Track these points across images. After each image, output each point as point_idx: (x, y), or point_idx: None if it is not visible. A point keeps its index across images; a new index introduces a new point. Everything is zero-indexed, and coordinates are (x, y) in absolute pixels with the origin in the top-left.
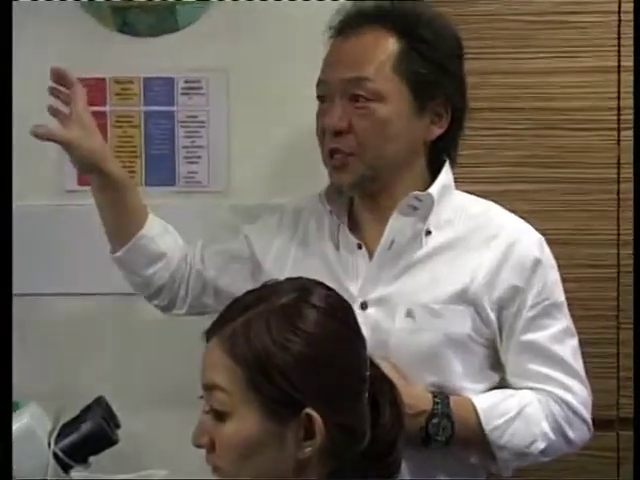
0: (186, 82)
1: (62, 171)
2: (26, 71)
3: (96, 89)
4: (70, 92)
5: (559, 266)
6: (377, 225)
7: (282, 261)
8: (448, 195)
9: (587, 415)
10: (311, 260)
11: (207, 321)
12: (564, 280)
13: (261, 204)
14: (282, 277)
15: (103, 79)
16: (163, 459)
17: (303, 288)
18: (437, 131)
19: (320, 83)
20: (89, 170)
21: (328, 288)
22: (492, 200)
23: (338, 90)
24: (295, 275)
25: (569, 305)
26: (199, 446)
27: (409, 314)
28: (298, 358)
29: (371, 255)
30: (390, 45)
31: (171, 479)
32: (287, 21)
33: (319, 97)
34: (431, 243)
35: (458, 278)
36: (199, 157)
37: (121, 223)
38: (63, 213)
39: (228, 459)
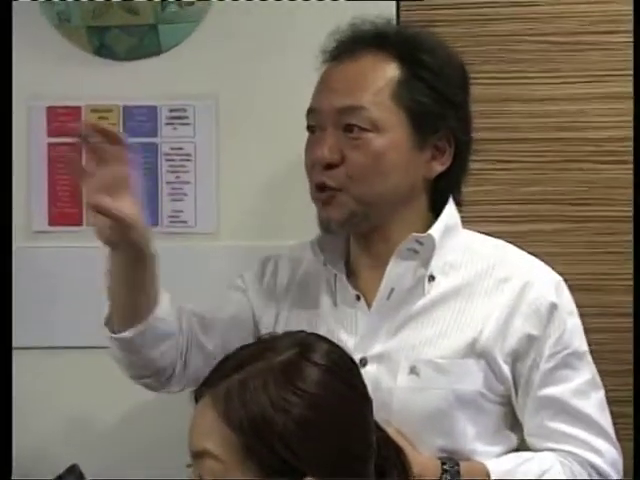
0: (170, 111)
1: (29, 210)
2: None
3: (71, 118)
4: (116, 150)
5: (582, 315)
6: (375, 271)
7: (276, 315)
8: (453, 235)
9: (616, 478)
10: (306, 314)
11: None
12: (587, 331)
13: (255, 246)
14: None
15: (78, 107)
16: None
17: (303, 343)
18: (438, 168)
19: (311, 112)
20: (123, 246)
21: (331, 343)
22: (512, 242)
23: (330, 119)
24: (289, 330)
25: (593, 359)
26: None
27: (412, 371)
28: (299, 422)
29: (370, 306)
30: (389, 71)
31: None
32: (281, 43)
33: (309, 127)
34: (435, 290)
35: (466, 328)
36: (185, 194)
37: (137, 301)
38: (31, 256)
39: None
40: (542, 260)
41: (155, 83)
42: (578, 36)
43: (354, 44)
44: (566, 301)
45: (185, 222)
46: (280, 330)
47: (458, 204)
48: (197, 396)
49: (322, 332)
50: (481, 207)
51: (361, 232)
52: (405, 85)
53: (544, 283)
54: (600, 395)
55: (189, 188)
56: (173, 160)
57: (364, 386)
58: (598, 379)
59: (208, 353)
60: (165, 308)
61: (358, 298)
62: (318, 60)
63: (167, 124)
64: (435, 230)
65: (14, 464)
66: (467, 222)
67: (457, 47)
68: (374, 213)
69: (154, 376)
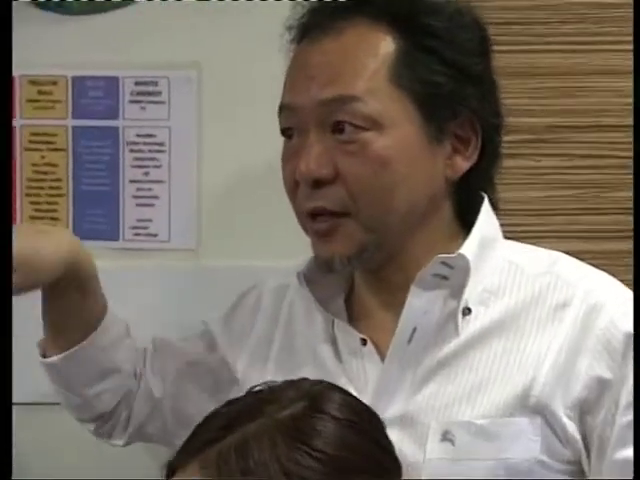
0: (137, 84)
1: None
2: None
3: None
4: None
5: None
6: (389, 310)
7: (261, 365)
8: (491, 251)
9: None
10: (301, 366)
11: None
12: None
13: (245, 267)
14: (242, 365)
15: (11, 77)
16: None
17: (312, 394)
18: (464, 164)
19: (284, 110)
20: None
21: (344, 392)
22: (597, 265)
23: (313, 118)
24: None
25: None
26: None
27: (446, 437)
28: None
29: (382, 353)
30: (383, 45)
31: None
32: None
33: (285, 131)
34: (472, 327)
35: (515, 376)
36: (155, 197)
37: (67, 321)
38: None
39: None
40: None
41: (116, 46)
42: None
43: (333, 14)
44: None
45: (155, 235)
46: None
47: (494, 202)
48: (174, 467)
49: None
50: (555, 218)
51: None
52: (406, 61)
53: (617, 306)
54: None
55: (161, 189)
56: (140, 151)
57: (392, 445)
58: None
59: (155, 401)
60: (109, 336)
61: (364, 342)
62: (283, 39)
63: (132, 102)
64: (468, 248)
65: None
66: (534, 238)
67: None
68: (389, 240)
69: (94, 422)
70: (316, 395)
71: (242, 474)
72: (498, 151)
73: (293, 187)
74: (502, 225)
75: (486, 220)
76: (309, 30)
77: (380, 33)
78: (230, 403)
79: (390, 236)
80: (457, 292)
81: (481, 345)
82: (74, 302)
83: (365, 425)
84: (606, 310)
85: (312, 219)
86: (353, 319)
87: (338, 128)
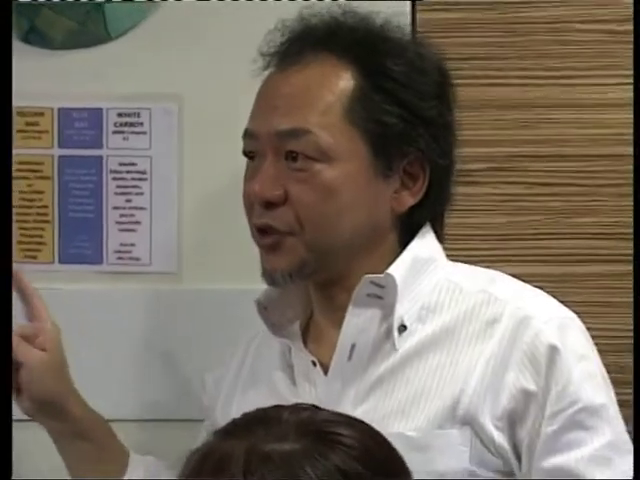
0: (120, 115)
1: None
2: None
3: None
4: (28, 306)
5: None
6: (337, 329)
7: (228, 403)
8: (427, 271)
9: None
10: (259, 394)
11: None
12: None
13: (227, 290)
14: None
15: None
16: None
17: (316, 431)
18: (410, 199)
19: (247, 135)
20: (46, 414)
21: (354, 423)
22: (555, 288)
23: (269, 145)
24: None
25: None
26: None
27: None
28: None
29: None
30: (342, 81)
31: None
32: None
33: (247, 153)
34: (408, 343)
35: (445, 390)
36: (137, 222)
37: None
38: None
39: None
40: (602, 311)
41: (100, 79)
42: None
43: (301, 47)
44: (572, 342)
45: (138, 259)
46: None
47: (439, 238)
48: None
49: None
50: (516, 243)
51: (319, 282)
52: (361, 100)
53: (543, 322)
54: (627, 462)
55: (143, 215)
56: (123, 179)
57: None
58: (626, 440)
59: None
60: None
61: (314, 364)
62: (255, 66)
63: (115, 132)
64: (396, 268)
65: None
66: (496, 262)
67: (486, 37)
68: (330, 261)
69: None
70: (319, 431)
71: None
72: (446, 190)
73: (249, 205)
74: (463, 249)
75: (422, 243)
76: (278, 59)
77: (342, 71)
78: (225, 437)
79: (332, 257)
80: (390, 310)
81: (417, 360)
82: (91, 449)
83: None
84: (532, 325)
85: (261, 235)
86: (309, 342)
87: (291, 156)
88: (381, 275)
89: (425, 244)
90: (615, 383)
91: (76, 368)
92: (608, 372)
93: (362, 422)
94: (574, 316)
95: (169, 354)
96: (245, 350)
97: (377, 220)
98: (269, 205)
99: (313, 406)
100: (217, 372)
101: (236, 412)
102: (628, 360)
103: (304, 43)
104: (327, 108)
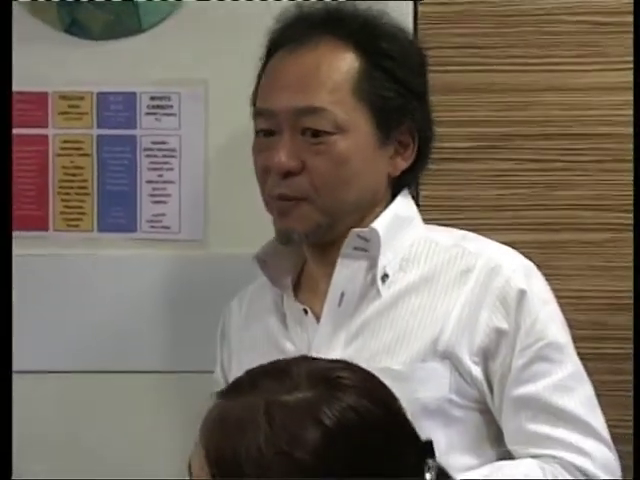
0: (152, 99)
1: None
2: None
3: (36, 106)
4: None
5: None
6: (329, 280)
7: (230, 356)
8: (407, 228)
9: None
10: (256, 338)
11: None
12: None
13: (248, 255)
14: (231, 370)
15: (45, 93)
16: None
17: (324, 378)
18: (402, 164)
19: (262, 113)
20: None
21: (351, 367)
22: (543, 253)
23: (287, 122)
24: (244, 366)
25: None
26: None
27: None
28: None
29: (320, 318)
30: (348, 62)
31: None
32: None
33: (260, 131)
34: (391, 289)
35: (426, 328)
36: (168, 195)
37: None
38: None
39: None
40: (583, 273)
41: (134, 66)
42: (623, 16)
43: (306, 30)
44: (538, 288)
45: (168, 228)
46: (234, 372)
47: (416, 201)
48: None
49: (274, 356)
50: (508, 213)
51: (317, 241)
52: (366, 77)
53: (511, 270)
54: (587, 390)
55: (173, 188)
56: (155, 156)
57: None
58: (583, 372)
59: None
60: None
61: (305, 312)
62: (262, 48)
63: (148, 114)
64: (380, 223)
65: None
66: (488, 230)
67: (480, 28)
68: (340, 222)
69: None
70: (328, 379)
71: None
72: (427, 157)
73: (263, 173)
74: (459, 218)
75: (402, 203)
76: (286, 41)
77: (346, 52)
78: (235, 389)
79: (341, 220)
80: (374, 261)
81: (400, 304)
82: None
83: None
84: (502, 272)
85: (278, 202)
86: (300, 293)
87: (309, 131)
88: (366, 229)
89: (404, 204)
90: (590, 339)
91: (111, 325)
92: (583, 328)
93: (356, 365)
94: (534, 266)
95: (195, 313)
96: (240, 304)
97: (377, 184)
98: (287, 175)
99: (310, 357)
100: (221, 323)
101: (237, 361)
102: (606, 318)
103: (310, 28)
104: (337, 86)
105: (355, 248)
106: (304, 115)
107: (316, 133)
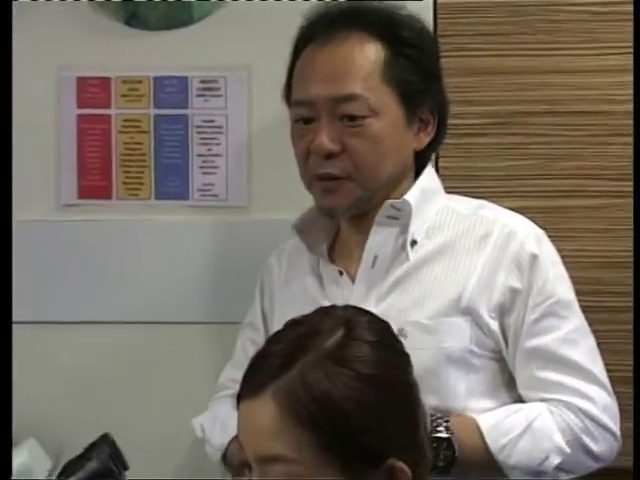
0: (202, 82)
1: (59, 183)
2: (27, 71)
3: (100, 89)
4: None
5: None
6: (362, 247)
7: (272, 307)
8: (432, 199)
9: (612, 424)
10: (295, 297)
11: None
12: (627, 310)
13: (287, 220)
14: (273, 321)
15: (108, 78)
16: None
17: (346, 321)
18: (426, 139)
19: (302, 104)
20: None
21: (367, 313)
22: (549, 218)
23: (325, 109)
24: (284, 319)
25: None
26: None
27: (401, 333)
28: (371, 407)
29: (354, 280)
30: (375, 52)
31: None
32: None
33: (300, 119)
34: (419, 253)
35: (450, 287)
36: (216, 167)
37: None
38: (60, 229)
39: None
40: (582, 236)
41: (186, 54)
42: (619, 6)
43: (335, 25)
44: (547, 252)
45: (216, 195)
46: (276, 325)
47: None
48: (244, 397)
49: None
50: (517, 182)
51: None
52: (392, 64)
53: (524, 235)
54: (590, 342)
55: (220, 161)
56: (204, 132)
57: (402, 345)
58: (586, 326)
59: None
60: None
61: (341, 273)
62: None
63: (198, 95)
64: (411, 195)
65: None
66: (501, 197)
67: (493, 17)
68: (377, 195)
69: None
70: (348, 322)
71: (310, 400)
72: (445, 130)
73: (304, 156)
74: (474, 187)
75: (427, 178)
76: (317, 34)
77: (373, 44)
78: (275, 340)
79: (377, 192)
80: (405, 229)
81: (426, 266)
82: None
83: (390, 340)
84: (517, 238)
85: (321, 181)
86: (335, 258)
87: (347, 117)
88: (399, 200)
89: (430, 178)
90: (591, 293)
91: (166, 281)
92: (584, 283)
93: (374, 314)
94: (543, 232)
95: (238, 271)
96: (278, 264)
97: (406, 158)
98: (329, 156)
99: (346, 306)
100: (260, 277)
101: (279, 314)
102: (604, 274)
103: (337, 23)
104: (368, 74)
105: (388, 217)
106: (341, 102)
107: (352, 118)
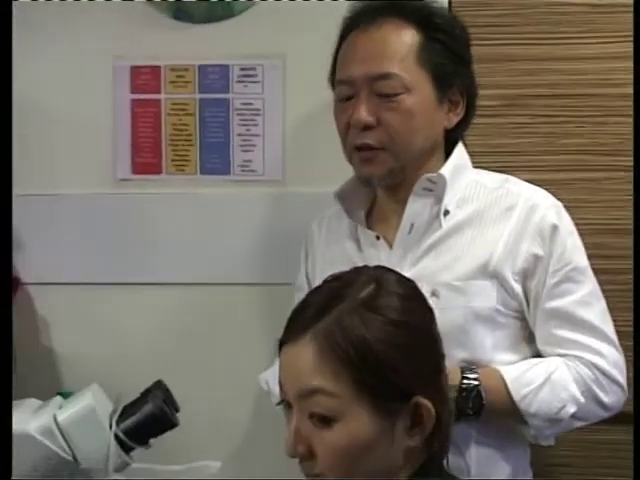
0: (241, 69)
1: (115, 160)
2: (87, 62)
3: (151, 77)
4: None
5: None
6: (398, 214)
7: (314, 269)
8: (463, 174)
9: (620, 378)
10: (334, 258)
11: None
12: (626, 272)
13: (319, 192)
14: (315, 280)
15: (158, 67)
16: (217, 450)
17: (377, 277)
18: (455, 119)
19: (343, 83)
20: None
21: (394, 272)
22: (553, 189)
23: (364, 87)
24: (324, 277)
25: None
26: (295, 456)
27: (433, 294)
28: (400, 348)
29: (391, 244)
30: (411, 37)
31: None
32: (345, 5)
33: (341, 99)
34: (450, 222)
35: (479, 253)
36: (254, 145)
37: None
38: (116, 201)
39: (338, 464)
40: (583, 206)
41: (227, 44)
42: None
43: (373, 12)
44: (566, 222)
45: (254, 171)
46: (316, 281)
47: (463, 143)
48: (286, 341)
49: None
50: (523, 157)
51: (393, 184)
52: (425, 48)
53: (546, 208)
54: (602, 304)
55: (258, 140)
56: (243, 114)
57: (426, 299)
58: (599, 291)
59: None
60: None
61: (378, 238)
62: (328, 29)
63: (238, 82)
64: (445, 169)
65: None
66: (510, 170)
67: (502, 10)
68: (409, 167)
69: None
70: (379, 278)
71: (346, 341)
72: (474, 110)
73: (345, 129)
74: (487, 161)
75: (459, 153)
76: (359, 22)
77: (408, 29)
78: (316, 292)
79: (410, 164)
80: (439, 200)
81: (457, 234)
82: None
83: (416, 294)
84: (539, 210)
85: (358, 151)
86: (371, 224)
87: (383, 93)
88: (435, 174)
89: (461, 154)
90: (594, 257)
91: (211, 246)
92: (587, 248)
93: (402, 274)
94: (562, 204)
95: (275, 237)
96: (318, 229)
97: (436, 134)
98: (366, 128)
99: (377, 266)
100: (304, 242)
101: (320, 274)
102: (605, 240)
103: (377, 12)
104: (403, 56)
105: (424, 189)
106: (378, 80)
107: (388, 95)
